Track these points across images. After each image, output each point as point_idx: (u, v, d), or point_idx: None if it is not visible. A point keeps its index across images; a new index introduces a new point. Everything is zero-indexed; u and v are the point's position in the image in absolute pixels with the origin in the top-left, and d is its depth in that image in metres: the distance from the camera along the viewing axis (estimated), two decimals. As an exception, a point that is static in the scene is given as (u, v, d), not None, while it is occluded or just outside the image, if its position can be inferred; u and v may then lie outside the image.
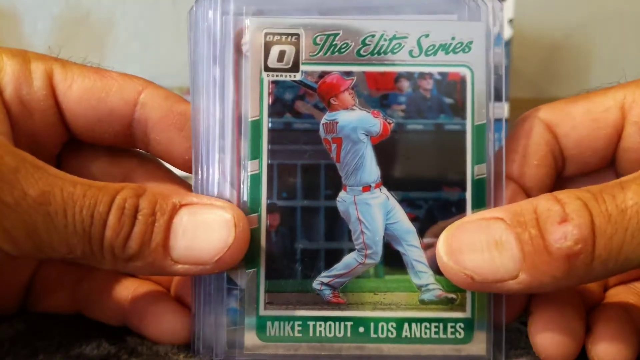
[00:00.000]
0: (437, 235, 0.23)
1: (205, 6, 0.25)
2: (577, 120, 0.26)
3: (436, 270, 0.24)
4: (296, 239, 0.24)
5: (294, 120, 0.24)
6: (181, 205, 0.23)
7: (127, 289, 0.27)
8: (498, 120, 0.25)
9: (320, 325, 0.24)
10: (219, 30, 0.25)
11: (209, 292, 0.25)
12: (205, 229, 0.23)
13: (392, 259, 0.24)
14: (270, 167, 0.24)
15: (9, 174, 0.21)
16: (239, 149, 0.25)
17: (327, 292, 0.24)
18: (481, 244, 0.22)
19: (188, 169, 0.26)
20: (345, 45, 0.24)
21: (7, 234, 0.21)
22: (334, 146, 0.24)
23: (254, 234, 0.24)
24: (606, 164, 0.27)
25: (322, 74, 0.24)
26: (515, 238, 0.21)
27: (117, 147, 0.28)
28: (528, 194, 0.26)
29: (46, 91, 0.26)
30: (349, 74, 0.24)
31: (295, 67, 0.24)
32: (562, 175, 0.27)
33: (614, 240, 0.20)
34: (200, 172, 0.25)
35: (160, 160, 0.29)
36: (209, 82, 0.25)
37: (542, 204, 0.21)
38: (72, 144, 0.28)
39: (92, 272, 0.28)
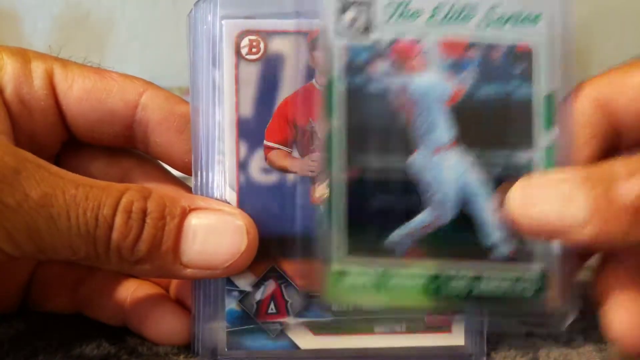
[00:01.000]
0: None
1: (204, 9, 0.25)
2: (634, 92, 0.25)
3: (507, 229, 0.24)
4: (374, 196, 0.24)
5: (366, 83, 0.25)
6: (190, 210, 0.23)
7: (127, 290, 0.27)
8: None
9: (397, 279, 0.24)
10: (217, 33, 0.25)
11: (209, 294, 0.25)
12: (217, 234, 0.23)
13: (464, 218, 0.25)
14: (346, 125, 0.24)
15: (10, 176, 0.20)
16: (238, 151, 0.25)
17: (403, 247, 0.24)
18: (552, 197, 0.22)
19: (187, 171, 0.26)
20: (416, 12, 0.25)
21: (8, 235, 0.20)
22: (407, 109, 0.25)
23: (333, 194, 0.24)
24: None
25: (395, 40, 0.25)
26: (585, 193, 0.21)
27: (116, 147, 0.28)
28: None
29: (46, 91, 0.25)
30: (420, 40, 0.25)
31: (367, 32, 0.24)
32: (619, 149, 0.26)
33: None
34: (200, 174, 0.25)
35: (159, 162, 0.29)
36: (208, 84, 0.25)
37: (615, 164, 0.22)
38: (71, 143, 0.28)
39: (92, 272, 0.28)
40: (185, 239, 0.22)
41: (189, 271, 0.23)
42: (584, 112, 0.26)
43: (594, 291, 0.26)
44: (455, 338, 0.25)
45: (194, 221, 0.23)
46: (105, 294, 0.27)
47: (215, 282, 0.25)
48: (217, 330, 0.24)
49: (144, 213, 0.22)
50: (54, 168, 0.22)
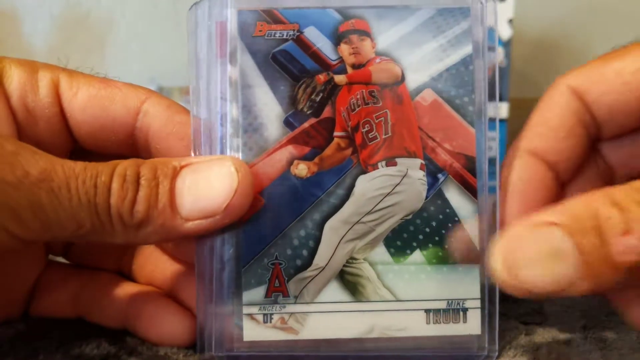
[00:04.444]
0: None
1: (213, 2, 0.25)
2: (607, 85, 0.25)
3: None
4: None
5: None
6: (182, 167, 0.23)
7: (128, 293, 0.27)
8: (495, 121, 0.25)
9: None
10: (232, 26, 0.25)
11: (219, 289, 0.24)
12: (207, 180, 0.23)
13: None
14: None
15: (9, 156, 0.21)
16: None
17: None
18: (539, 256, 0.20)
19: None
20: None
21: (13, 213, 0.21)
22: None
23: None
24: None
25: None
26: (577, 247, 0.20)
27: (122, 155, 0.28)
28: (554, 169, 0.25)
29: (51, 99, 0.26)
30: None
31: None
32: (600, 138, 0.26)
33: None
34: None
35: None
36: (223, 80, 0.25)
37: (602, 211, 0.20)
38: (78, 152, 0.28)
39: (93, 277, 0.28)
40: (179, 194, 0.23)
41: (190, 224, 0.23)
42: (563, 103, 0.25)
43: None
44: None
45: (187, 176, 0.23)
46: (106, 298, 0.28)
47: (227, 275, 0.24)
48: (231, 324, 0.24)
49: (137, 176, 0.22)
50: (51, 155, 0.22)
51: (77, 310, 0.28)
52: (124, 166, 0.22)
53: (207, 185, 0.23)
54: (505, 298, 0.32)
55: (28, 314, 0.29)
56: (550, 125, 0.25)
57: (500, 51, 0.69)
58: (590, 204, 0.20)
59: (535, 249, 0.20)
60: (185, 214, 0.23)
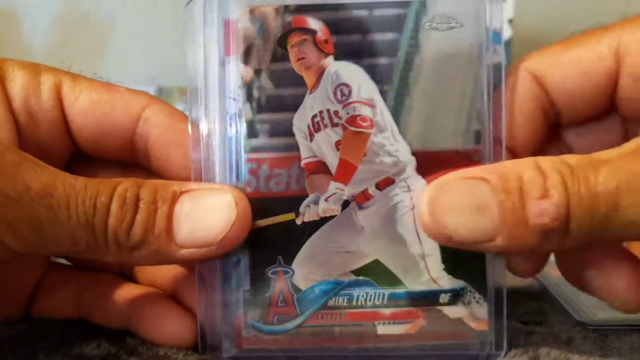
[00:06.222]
0: None
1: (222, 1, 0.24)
2: (566, 72, 0.25)
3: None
4: None
5: None
6: (181, 192, 0.23)
7: (130, 294, 0.27)
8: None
9: None
10: (249, 24, 0.24)
11: (224, 291, 0.25)
12: (206, 210, 0.23)
13: None
14: None
15: (11, 169, 0.21)
16: None
17: None
18: (464, 206, 0.22)
19: None
20: None
21: (10, 227, 0.21)
22: None
23: None
24: (606, 112, 0.26)
25: None
26: (498, 205, 0.21)
27: (122, 161, 0.28)
28: (513, 152, 0.25)
29: (53, 102, 0.26)
30: None
31: None
32: (560, 124, 0.26)
33: (584, 223, 0.21)
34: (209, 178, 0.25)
35: None
36: (228, 80, 0.25)
37: (527, 174, 0.21)
38: (81, 156, 0.28)
39: (95, 278, 0.28)
40: (177, 220, 0.23)
41: (185, 252, 0.23)
42: (524, 88, 0.25)
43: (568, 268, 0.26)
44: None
45: (186, 203, 0.23)
46: (108, 299, 0.28)
47: (231, 277, 0.24)
48: (228, 329, 0.24)
49: (137, 199, 0.22)
50: (54, 168, 0.22)
51: (79, 311, 0.28)
52: (124, 187, 0.22)
53: (205, 215, 0.23)
54: (507, 299, 0.32)
55: (28, 314, 0.29)
56: (509, 110, 0.25)
57: (500, 51, 0.69)
58: (518, 166, 0.21)
59: (461, 198, 0.22)
60: (181, 242, 0.23)
